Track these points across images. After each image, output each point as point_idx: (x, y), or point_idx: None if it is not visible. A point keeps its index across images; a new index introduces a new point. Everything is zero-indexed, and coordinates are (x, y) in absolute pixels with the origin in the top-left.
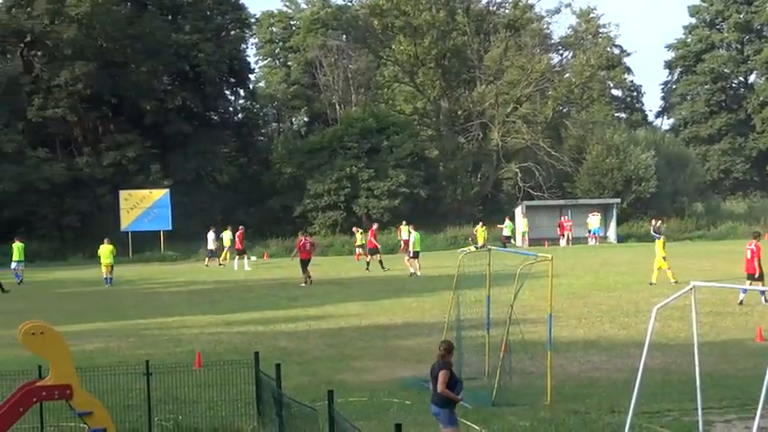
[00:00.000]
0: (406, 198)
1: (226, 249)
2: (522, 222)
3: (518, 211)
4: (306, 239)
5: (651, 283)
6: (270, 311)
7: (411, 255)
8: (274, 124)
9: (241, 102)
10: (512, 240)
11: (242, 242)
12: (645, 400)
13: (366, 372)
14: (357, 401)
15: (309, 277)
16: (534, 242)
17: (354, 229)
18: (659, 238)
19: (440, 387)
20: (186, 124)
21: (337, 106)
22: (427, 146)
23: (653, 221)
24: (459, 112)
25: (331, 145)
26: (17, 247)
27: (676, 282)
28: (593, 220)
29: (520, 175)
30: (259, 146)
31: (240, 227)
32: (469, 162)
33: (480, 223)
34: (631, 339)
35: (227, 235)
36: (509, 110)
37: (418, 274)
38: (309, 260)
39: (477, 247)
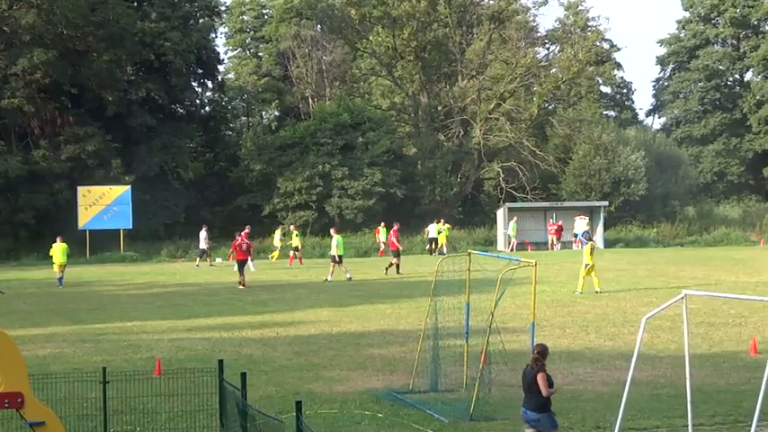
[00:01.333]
0: (382, 198)
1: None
2: (511, 226)
3: (500, 213)
4: (243, 238)
5: (582, 292)
6: (235, 317)
7: (335, 259)
8: (243, 118)
9: (209, 94)
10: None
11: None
12: (632, 416)
13: (336, 382)
14: (327, 414)
15: (242, 283)
16: (517, 246)
17: (291, 227)
18: (586, 244)
19: (544, 391)
20: (150, 117)
21: (310, 100)
22: (405, 143)
23: (581, 223)
24: (439, 108)
25: (303, 141)
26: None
27: (599, 291)
28: (580, 224)
29: (502, 176)
30: (227, 141)
31: (246, 228)
32: (449, 161)
33: (442, 220)
34: (618, 351)
35: (203, 235)
36: (492, 106)
37: (329, 279)
38: (246, 261)
39: (434, 251)
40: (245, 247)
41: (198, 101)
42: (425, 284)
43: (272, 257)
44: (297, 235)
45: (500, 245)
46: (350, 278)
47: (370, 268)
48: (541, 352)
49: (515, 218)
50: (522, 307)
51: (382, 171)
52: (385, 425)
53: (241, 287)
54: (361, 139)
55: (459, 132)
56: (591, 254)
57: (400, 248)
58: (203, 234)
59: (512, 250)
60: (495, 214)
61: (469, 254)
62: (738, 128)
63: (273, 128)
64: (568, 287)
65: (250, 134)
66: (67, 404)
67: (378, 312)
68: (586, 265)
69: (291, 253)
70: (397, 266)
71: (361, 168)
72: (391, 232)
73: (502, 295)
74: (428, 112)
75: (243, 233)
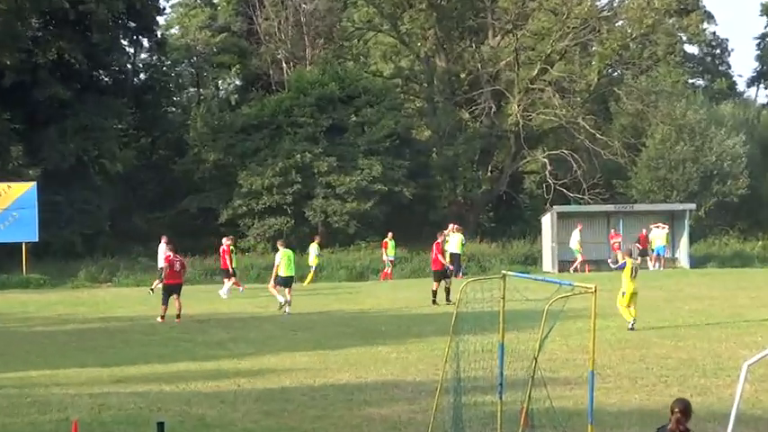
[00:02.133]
0: (383, 199)
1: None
2: (574, 237)
3: (546, 220)
4: (174, 256)
5: (631, 328)
6: (181, 363)
7: (277, 281)
8: (192, 90)
9: (144, 56)
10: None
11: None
12: None
13: None
14: None
15: (163, 316)
16: (566, 265)
17: (228, 240)
18: (618, 267)
19: None
20: (63, 88)
21: (284, 64)
22: (415, 123)
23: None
24: (462, 76)
25: (274, 121)
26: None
27: (632, 327)
28: (658, 235)
29: (549, 168)
30: (169, 121)
31: (227, 239)
32: (476, 148)
33: (452, 227)
34: (710, 409)
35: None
36: (535, 73)
37: (287, 310)
38: (179, 286)
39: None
40: (177, 266)
41: (129, 66)
42: (443, 318)
43: (306, 283)
44: (232, 249)
45: (546, 263)
46: (285, 309)
47: (367, 297)
48: (684, 410)
49: (579, 226)
50: (577, 350)
51: (383, 162)
52: None
53: (160, 320)
54: (354, 119)
55: (490, 109)
56: (632, 276)
57: (448, 267)
58: (162, 248)
59: (575, 271)
60: (540, 221)
61: (504, 276)
62: None
63: (233, 103)
64: (643, 321)
65: (201, 111)
66: None
67: (377, 357)
68: (623, 292)
69: (229, 281)
70: (434, 293)
71: (355, 158)
72: (434, 245)
73: (549, 333)
74: (447, 80)
75: (225, 245)
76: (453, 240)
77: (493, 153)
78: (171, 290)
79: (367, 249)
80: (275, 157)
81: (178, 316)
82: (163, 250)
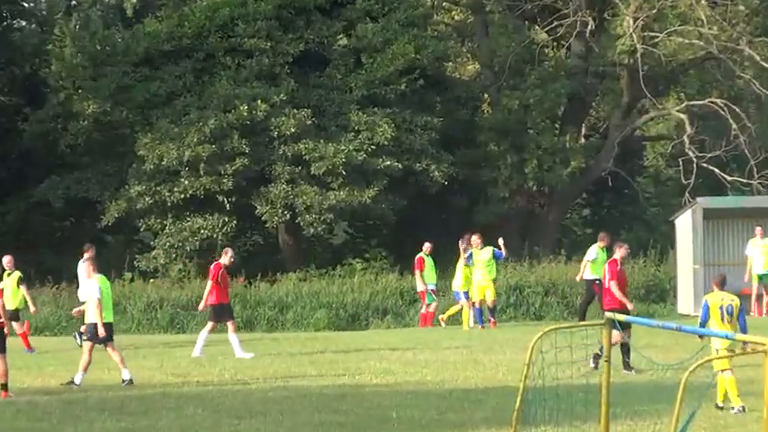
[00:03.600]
0: (397, 185)
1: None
2: (752, 249)
3: (684, 219)
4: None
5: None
6: None
7: (89, 332)
8: None
9: None
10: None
11: (222, 287)
12: None
13: None
14: None
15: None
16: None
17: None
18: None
19: None
20: None
21: None
22: (452, 50)
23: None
24: None
25: (201, 45)
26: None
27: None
28: None
29: (689, 131)
30: (14, 44)
31: (226, 252)
32: (560, 94)
33: (471, 237)
34: None
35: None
36: None
37: (126, 377)
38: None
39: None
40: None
41: None
42: (501, 395)
43: (442, 318)
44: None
45: (684, 299)
46: (127, 380)
47: (365, 356)
48: None
49: (759, 230)
50: None
51: (396, 119)
52: None
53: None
54: (343, 41)
55: (585, 26)
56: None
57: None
58: (84, 267)
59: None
60: (673, 225)
61: (609, 323)
62: None
63: (130, 14)
64: None
65: (73, 28)
66: None
67: None
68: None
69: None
70: (626, 357)
71: (345, 112)
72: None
73: (689, 424)
74: None
75: (216, 263)
76: (482, 257)
77: (589, 104)
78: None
79: (367, 272)
80: (203, 109)
81: (4, 387)
82: (84, 269)
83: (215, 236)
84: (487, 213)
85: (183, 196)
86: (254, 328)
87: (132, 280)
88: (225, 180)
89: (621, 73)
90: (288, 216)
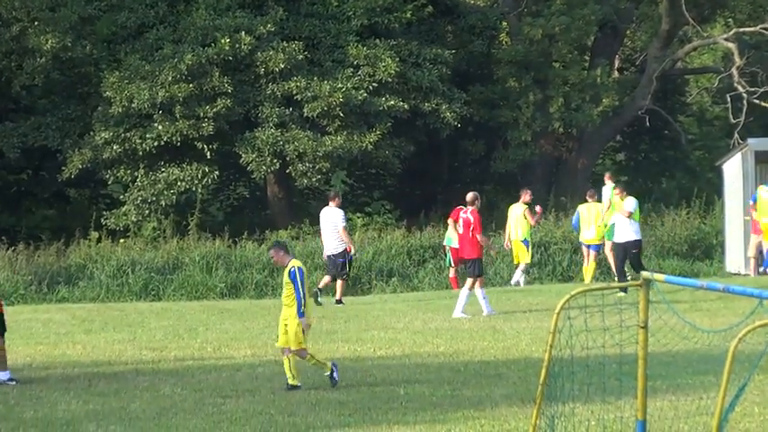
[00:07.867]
0: (401, 128)
1: None
2: None
3: (732, 167)
4: None
5: None
6: None
7: None
8: None
9: None
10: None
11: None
12: None
13: None
14: None
15: None
16: None
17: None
18: None
19: None
20: None
21: None
22: None
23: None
24: None
25: None
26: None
27: None
28: None
29: (739, 63)
30: None
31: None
32: (589, 20)
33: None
34: None
35: None
36: None
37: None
38: None
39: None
40: None
41: None
42: (522, 367)
43: (586, 274)
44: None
45: (733, 257)
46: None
47: (368, 326)
48: None
49: None
50: None
51: (400, 52)
52: None
53: None
54: None
55: None
56: None
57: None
58: None
59: None
60: (721, 170)
61: (646, 283)
62: None
63: None
64: None
65: None
66: None
67: None
68: None
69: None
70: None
71: (343, 45)
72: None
73: (741, 395)
74: None
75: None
76: (514, 213)
77: (623, 33)
78: None
79: (369, 229)
80: (178, 42)
81: None
82: None
83: (194, 189)
84: (507, 160)
85: (156, 143)
86: (240, 293)
87: (99, 240)
88: (204, 124)
89: None
90: (277, 165)
